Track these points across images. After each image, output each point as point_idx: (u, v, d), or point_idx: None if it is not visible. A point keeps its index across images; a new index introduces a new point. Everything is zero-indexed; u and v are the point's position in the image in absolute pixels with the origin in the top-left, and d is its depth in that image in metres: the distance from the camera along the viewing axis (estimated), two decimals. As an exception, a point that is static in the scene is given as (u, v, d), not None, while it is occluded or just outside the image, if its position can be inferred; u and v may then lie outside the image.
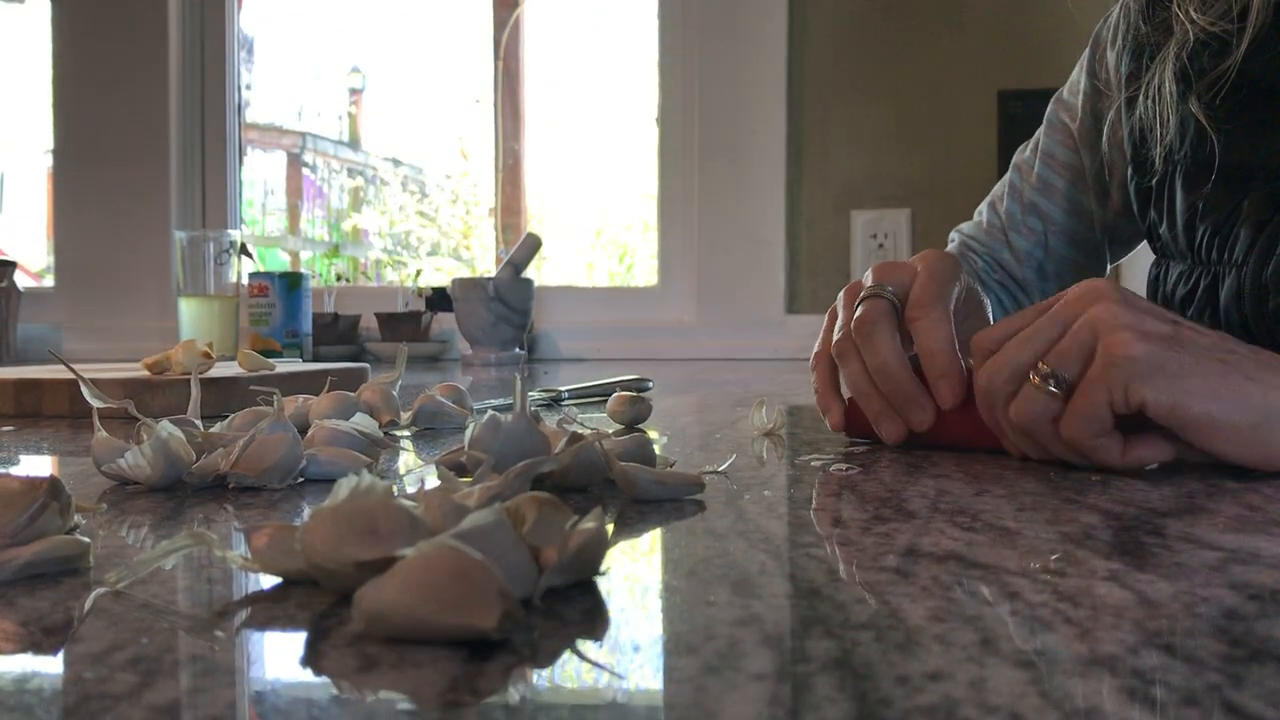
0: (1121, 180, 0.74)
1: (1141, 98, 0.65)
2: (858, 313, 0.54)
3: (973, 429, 0.51)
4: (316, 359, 1.72)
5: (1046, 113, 0.83)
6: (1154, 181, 0.67)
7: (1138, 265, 0.89)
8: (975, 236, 0.85)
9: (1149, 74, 0.65)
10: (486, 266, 2.29)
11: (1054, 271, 0.82)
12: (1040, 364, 0.45)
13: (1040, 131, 0.83)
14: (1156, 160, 0.65)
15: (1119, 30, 0.71)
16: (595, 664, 0.22)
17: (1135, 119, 0.66)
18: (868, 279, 0.56)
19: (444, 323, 1.86)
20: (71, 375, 0.49)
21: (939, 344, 0.51)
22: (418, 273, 2.14)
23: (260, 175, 2.29)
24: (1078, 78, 0.79)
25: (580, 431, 0.43)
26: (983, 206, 0.87)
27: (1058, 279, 0.82)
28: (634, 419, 0.64)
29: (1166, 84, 0.62)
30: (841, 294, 0.58)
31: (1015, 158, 0.85)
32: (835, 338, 0.55)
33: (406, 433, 0.63)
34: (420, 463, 0.51)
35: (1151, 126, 0.65)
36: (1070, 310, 0.46)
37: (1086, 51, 0.78)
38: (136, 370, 0.79)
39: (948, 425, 0.52)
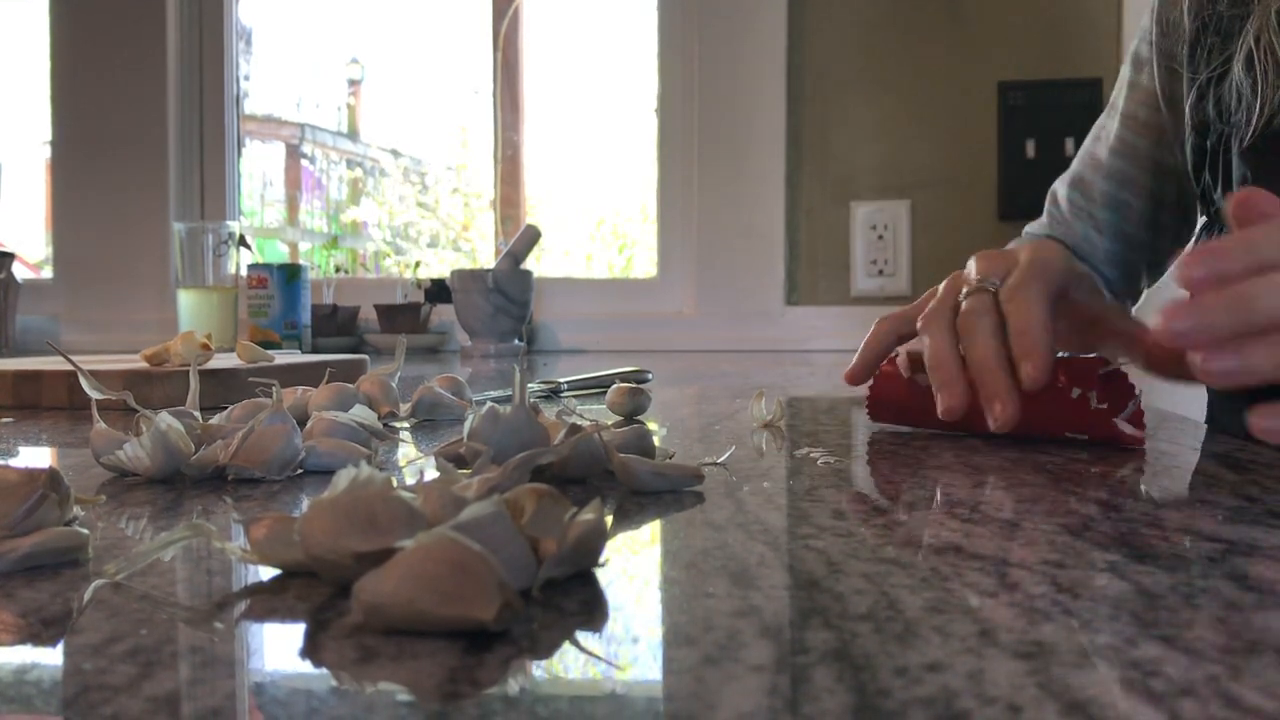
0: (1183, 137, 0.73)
1: (1237, 65, 0.63)
2: (964, 306, 0.53)
3: (1044, 417, 0.51)
4: (315, 350, 1.72)
5: (1122, 72, 0.81)
6: (1209, 143, 0.66)
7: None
8: (1058, 222, 0.83)
9: (1240, 42, 0.63)
10: (486, 258, 2.29)
11: (1140, 237, 0.81)
12: None
13: (1116, 95, 0.82)
14: (1223, 125, 0.64)
15: None
16: (594, 655, 0.22)
17: (1225, 88, 0.64)
18: (971, 271, 0.55)
19: (443, 314, 1.86)
20: (70, 367, 0.49)
21: (1029, 323, 0.50)
22: (416, 264, 2.13)
23: (259, 166, 2.28)
24: (1148, 26, 0.77)
25: (579, 423, 0.43)
26: (1058, 186, 0.85)
27: (1147, 246, 0.81)
28: (633, 410, 0.64)
29: (1260, 60, 0.61)
30: (945, 283, 0.57)
31: (1096, 128, 0.83)
32: (929, 309, 0.55)
33: (405, 424, 0.63)
34: (419, 454, 0.51)
35: (1240, 98, 0.63)
36: None
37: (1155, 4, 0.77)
38: (135, 362, 0.79)
39: (1032, 405, 0.51)
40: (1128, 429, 0.50)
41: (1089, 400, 0.50)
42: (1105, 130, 0.82)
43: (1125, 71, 0.81)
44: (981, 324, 0.52)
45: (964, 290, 0.54)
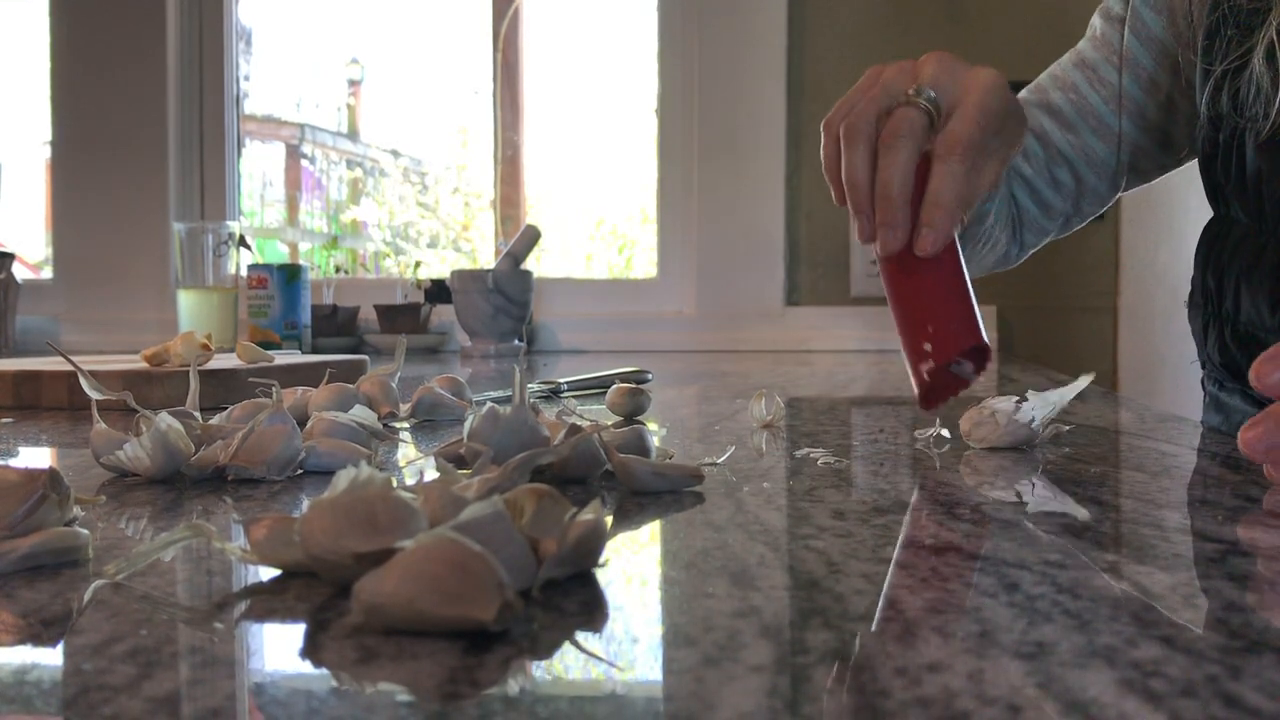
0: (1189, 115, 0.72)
1: (1257, 58, 0.62)
2: (892, 117, 0.52)
3: (920, 297, 0.51)
4: (315, 351, 1.72)
5: (1094, 22, 0.79)
6: (1223, 136, 0.65)
7: (1191, 220, 0.86)
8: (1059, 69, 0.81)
9: (1261, 34, 0.61)
10: (486, 258, 2.29)
11: (1062, 179, 0.78)
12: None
13: (1084, 43, 0.79)
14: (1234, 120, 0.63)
15: None
16: (594, 656, 0.22)
17: (1243, 80, 0.63)
18: (923, 72, 0.54)
19: (443, 314, 1.86)
20: (70, 367, 0.49)
21: (945, 193, 0.50)
22: (416, 265, 2.13)
23: (259, 167, 2.28)
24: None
25: (579, 423, 0.43)
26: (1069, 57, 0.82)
27: (1069, 192, 0.79)
28: (633, 411, 0.64)
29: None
30: (891, 70, 0.55)
31: (1056, 65, 0.80)
32: (851, 115, 0.53)
33: (405, 425, 0.63)
34: (419, 454, 0.51)
35: (1259, 91, 0.62)
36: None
37: None
38: (135, 362, 0.79)
39: (908, 274, 0.51)
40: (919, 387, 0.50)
41: (924, 381, 0.50)
42: (1063, 69, 0.79)
43: (1096, 22, 0.79)
44: (900, 147, 0.51)
45: (903, 95, 0.53)
